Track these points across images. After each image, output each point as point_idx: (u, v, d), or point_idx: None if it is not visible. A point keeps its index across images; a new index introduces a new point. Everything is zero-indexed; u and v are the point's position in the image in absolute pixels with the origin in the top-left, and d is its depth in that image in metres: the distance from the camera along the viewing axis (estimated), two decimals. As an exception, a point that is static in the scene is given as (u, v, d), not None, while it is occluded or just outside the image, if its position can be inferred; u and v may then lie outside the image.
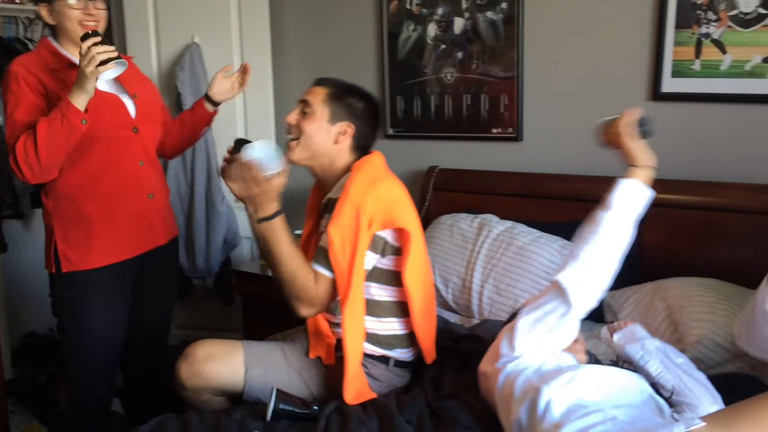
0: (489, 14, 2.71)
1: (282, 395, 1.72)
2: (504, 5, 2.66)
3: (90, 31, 1.75)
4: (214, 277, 3.26)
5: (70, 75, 1.89)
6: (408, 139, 3.01)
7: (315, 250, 1.82)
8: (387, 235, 1.81)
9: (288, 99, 3.29)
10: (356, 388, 1.79)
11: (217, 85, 2.19)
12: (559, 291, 1.55)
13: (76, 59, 1.93)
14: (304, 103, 1.86)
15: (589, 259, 1.54)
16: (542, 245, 2.35)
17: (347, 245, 1.74)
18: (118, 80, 1.98)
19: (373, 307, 1.86)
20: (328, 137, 1.84)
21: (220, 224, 3.10)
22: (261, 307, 2.85)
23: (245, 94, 3.10)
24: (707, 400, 1.54)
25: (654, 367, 1.60)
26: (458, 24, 2.79)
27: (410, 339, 1.89)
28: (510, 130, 2.74)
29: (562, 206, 2.50)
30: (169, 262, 2.24)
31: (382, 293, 1.86)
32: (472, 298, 2.42)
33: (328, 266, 1.76)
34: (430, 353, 1.91)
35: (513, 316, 1.77)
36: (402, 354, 1.89)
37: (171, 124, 2.24)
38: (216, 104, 2.21)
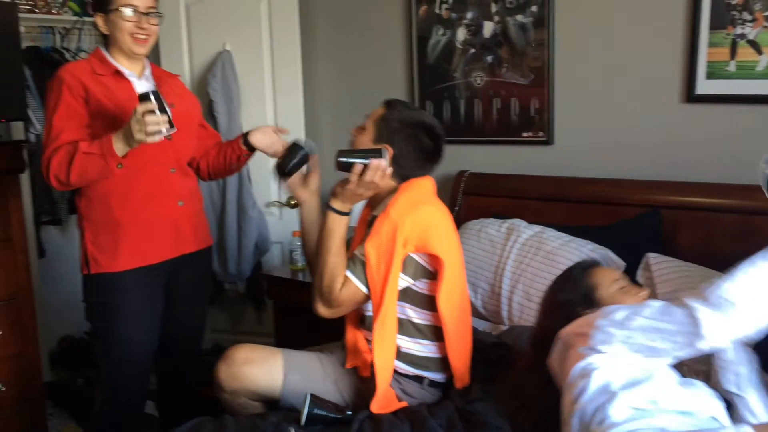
0: (519, 18, 2.69)
1: (316, 400, 1.74)
2: (534, 8, 2.65)
3: (150, 92, 1.77)
4: (246, 282, 3.29)
5: (114, 81, 1.98)
6: None
7: (352, 255, 1.85)
8: (420, 258, 1.82)
9: (317, 105, 3.32)
10: (383, 403, 1.80)
11: (262, 136, 2.14)
12: (690, 319, 1.40)
13: (122, 68, 2.04)
14: (366, 118, 1.91)
15: (740, 295, 1.37)
16: (572, 249, 2.32)
17: (382, 263, 1.77)
18: (158, 90, 2.04)
19: (408, 328, 1.87)
20: None
21: (252, 229, 3.13)
22: (292, 311, 2.87)
23: (276, 102, 3.14)
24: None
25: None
26: (488, 28, 2.78)
27: (444, 363, 1.89)
28: (540, 133, 2.72)
29: (593, 210, 2.47)
30: (201, 271, 2.26)
31: (416, 315, 1.87)
32: (502, 304, 2.41)
33: (359, 276, 1.79)
34: (461, 378, 1.89)
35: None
36: (435, 376, 1.90)
37: (210, 146, 2.26)
38: (251, 148, 2.17)
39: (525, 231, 2.47)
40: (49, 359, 3.19)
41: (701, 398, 1.46)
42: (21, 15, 2.80)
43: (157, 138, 1.78)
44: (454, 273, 1.84)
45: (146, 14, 1.99)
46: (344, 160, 1.77)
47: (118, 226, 2.01)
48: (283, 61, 3.10)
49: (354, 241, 2.00)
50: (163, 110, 1.77)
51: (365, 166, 1.74)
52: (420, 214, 1.80)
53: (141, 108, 1.75)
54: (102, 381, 2.17)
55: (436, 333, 1.87)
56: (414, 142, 1.86)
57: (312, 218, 1.98)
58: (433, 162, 1.91)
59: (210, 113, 3.06)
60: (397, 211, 1.79)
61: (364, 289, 1.80)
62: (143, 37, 2.00)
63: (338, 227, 1.80)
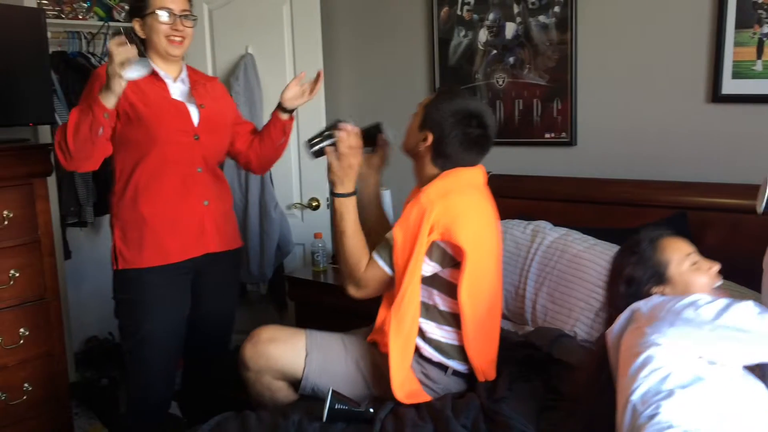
0: (541, 18, 2.69)
1: (338, 396, 1.75)
2: (557, 9, 2.64)
3: (119, 31, 1.80)
4: (268, 283, 3.31)
5: (148, 82, 2.03)
6: None
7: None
8: (445, 246, 1.83)
9: (339, 107, 3.33)
10: (408, 389, 1.80)
11: (288, 91, 2.20)
12: None
13: (159, 70, 2.09)
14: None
15: None
16: (597, 253, 2.30)
17: (407, 246, 1.80)
18: (190, 93, 2.11)
19: (434, 314, 1.89)
20: (415, 140, 1.92)
21: (274, 231, 3.15)
22: (314, 312, 2.88)
23: (298, 103, 3.15)
24: None
25: None
26: (510, 29, 2.77)
27: (470, 357, 1.89)
28: (563, 134, 2.71)
29: (618, 212, 2.45)
30: (228, 272, 2.29)
31: (442, 302, 1.88)
32: (526, 306, 2.39)
33: (384, 257, 1.84)
34: (483, 372, 1.90)
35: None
36: (459, 366, 1.90)
37: (253, 138, 2.29)
38: (289, 111, 2.21)
39: (550, 233, 2.46)
40: (74, 359, 3.22)
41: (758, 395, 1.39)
42: (48, 21, 2.84)
43: (129, 73, 1.78)
44: (479, 265, 1.84)
45: (181, 17, 2.04)
46: (314, 149, 1.90)
47: (143, 223, 2.06)
48: (305, 64, 3.12)
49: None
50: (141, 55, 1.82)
51: (334, 144, 1.85)
52: (450, 203, 1.81)
53: (112, 42, 1.77)
54: (128, 379, 2.20)
55: (458, 322, 1.88)
56: (458, 130, 1.85)
57: (364, 192, 2.07)
58: (480, 150, 1.91)
59: (233, 116, 3.08)
60: (428, 197, 1.81)
61: (388, 270, 1.84)
62: (178, 39, 2.06)
63: (346, 210, 1.87)
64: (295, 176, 3.24)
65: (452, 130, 1.85)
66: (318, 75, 2.22)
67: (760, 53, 2.26)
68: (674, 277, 1.60)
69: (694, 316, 1.41)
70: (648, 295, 1.60)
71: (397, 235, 1.82)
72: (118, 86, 1.81)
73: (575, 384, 1.73)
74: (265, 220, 3.14)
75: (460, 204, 1.83)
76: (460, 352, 1.89)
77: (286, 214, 3.22)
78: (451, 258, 1.84)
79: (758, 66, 2.27)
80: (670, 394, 1.34)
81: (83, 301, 3.40)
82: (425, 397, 1.84)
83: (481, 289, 1.87)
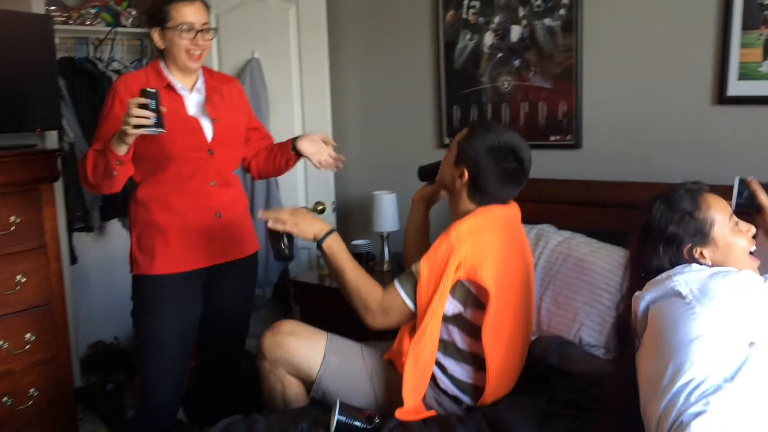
0: (547, 21, 2.68)
1: (345, 408, 1.74)
2: (562, 12, 2.64)
3: (147, 90, 1.79)
4: (273, 288, 3.31)
5: (165, 94, 2.01)
6: None
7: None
8: (470, 285, 1.80)
9: (345, 111, 3.34)
10: (411, 413, 1.79)
11: (307, 141, 2.18)
12: None
13: (175, 81, 2.09)
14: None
15: None
16: (602, 256, 2.29)
17: (431, 282, 1.76)
18: (205, 104, 2.11)
19: (453, 351, 1.87)
20: (451, 176, 1.91)
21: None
22: (319, 316, 2.87)
23: (303, 107, 3.16)
24: None
25: None
26: (515, 32, 2.77)
27: (480, 391, 1.87)
28: (569, 137, 2.70)
29: (624, 214, 2.42)
30: (243, 277, 2.30)
31: (462, 341, 1.86)
32: (531, 310, 2.38)
33: (407, 290, 1.79)
34: (494, 397, 1.88)
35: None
36: (471, 402, 1.89)
37: (262, 147, 2.30)
38: (299, 153, 2.20)
39: (554, 237, 2.45)
40: (80, 364, 3.23)
41: None
42: (55, 27, 2.86)
43: (139, 131, 1.78)
44: (504, 308, 1.81)
45: (201, 31, 2.04)
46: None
47: (157, 232, 2.08)
48: (311, 68, 3.12)
49: None
50: (155, 110, 1.78)
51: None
52: (479, 242, 1.78)
53: (134, 101, 1.77)
54: (138, 382, 2.20)
55: (476, 362, 1.85)
56: (494, 165, 1.84)
57: (412, 220, 2.17)
58: (517, 184, 1.89)
59: (238, 120, 3.09)
60: (458, 234, 1.78)
61: (410, 305, 1.80)
62: (198, 53, 2.06)
63: (333, 249, 1.86)
64: (300, 180, 3.25)
65: (488, 166, 1.83)
66: (340, 159, 2.20)
67: (766, 55, 2.24)
68: (717, 238, 1.50)
69: (747, 294, 1.33)
70: (690, 255, 1.50)
71: (423, 269, 1.78)
72: (130, 140, 1.83)
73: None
74: (270, 224, 3.14)
75: (489, 244, 1.80)
76: (476, 391, 1.87)
77: (292, 218, 3.22)
78: (475, 298, 1.81)
79: (765, 67, 2.25)
80: (718, 388, 1.25)
81: (89, 305, 3.41)
82: (429, 413, 1.84)
83: (504, 332, 1.83)
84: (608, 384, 1.54)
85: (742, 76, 2.29)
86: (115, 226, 3.55)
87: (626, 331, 1.50)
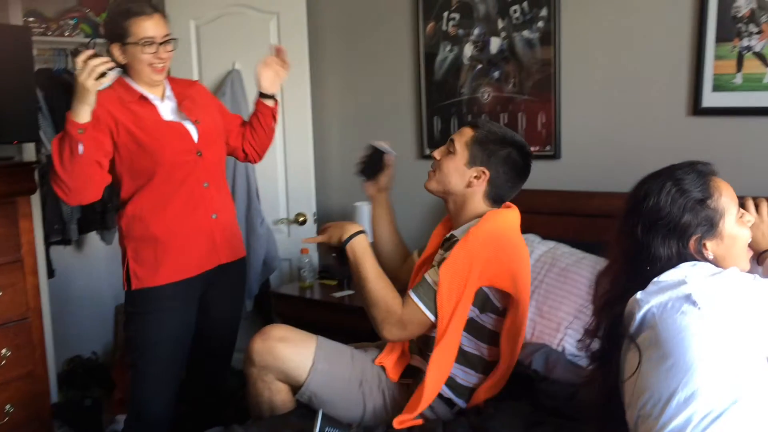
0: (525, 33, 2.71)
1: (328, 419, 1.73)
2: (540, 24, 2.67)
3: (85, 46, 1.80)
4: (254, 300, 3.29)
5: (140, 107, 2.04)
6: None
7: (421, 278, 1.84)
8: (490, 292, 1.80)
9: (326, 122, 3.34)
10: (406, 418, 1.78)
11: (263, 79, 2.23)
12: None
13: (146, 93, 2.08)
14: (451, 141, 1.89)
15: None
16: (585, 266, 2.30)
17: (454, 292, 1.73)
18: (182, 110, 2.11)
19: (459, 354, 1.85)
20: (462, 179, 1.87)
21: (260, 246, 3.13)
22: (300, 328, 2.86)
23: (284, 118, 3.16)
24: None
25: None
26: (494, 44, 2.80)
27: (473, 392, 1.87)
28: (548, 148, 2.72)
29: (604, 224, 2.44)
30: (235, 282, 2.31)
31: (469, 345, 1.85)
32: (514, 320, 2.39)
33: (426, 302, 1.75)
34: (485, 398, 1.89)
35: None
36: (464, 403, 1.89)
37: (245, 131, 2.32)
38: (272, 97, 2.26)
39: (538, 247, 2.46)
40: (57, 379, 3.18)
41: None
42: (34, 38, 2.83)
43: (105, 80, 1.79)
44: (523, 311, 1.82)
45: (163, 43, 2.03)
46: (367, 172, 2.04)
47: (156, 242, 2.07)
48: (292, 79, 3.09)
49: (425, 255, 2.00)
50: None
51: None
52: (500, 249, 1.78)
53: (81, 57, 1.77)
54: (131, 394, 2.19)
55: (483, 365, 1.86)
56: (509, 163, 1.86)
57: (377, 212, 2.09)
58: (524, 180, 1.91)
59: (219, 132, 3.08)
60: (478, 241, 1.75)
61: (431, 316, 1.76)
62: (161, 65, 2.05)
63: (361, 252, 1.81)
64: (281, 191, 3.24)
65: (504, 164, 1.85)
66: (277, 50, 2.24)
67: (740, 66, 2.29)
68: (723, 231, 1.38)
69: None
70: (698, 251, 1.36)
71: (444, 278, 1.73)
72: (94, 98, 1.82)
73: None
74: (251, 235, 3.12)
75: (509, 250, 1.81)
76: (471, 392, 1.87)
77: (273, 229, 3.21)
78: (492, 304, 1.81)
79: (738, 79, 2.30)
80: (729, 415, 1.17)
81: (67, 320, 3.36)
82: (417, 422, 1.83)
83: (520, 336, 1.84)
84: (590, 391, 1.48)
85: (716, 87, 2.34)
86: (93, 238, 3.51)
87: (619, 335, 1.37)
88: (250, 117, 2.32)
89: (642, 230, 1.37)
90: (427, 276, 1.78)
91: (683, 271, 1.31)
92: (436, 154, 1.92)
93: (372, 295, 1.78)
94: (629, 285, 1.35)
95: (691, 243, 1.36)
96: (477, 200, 1.87)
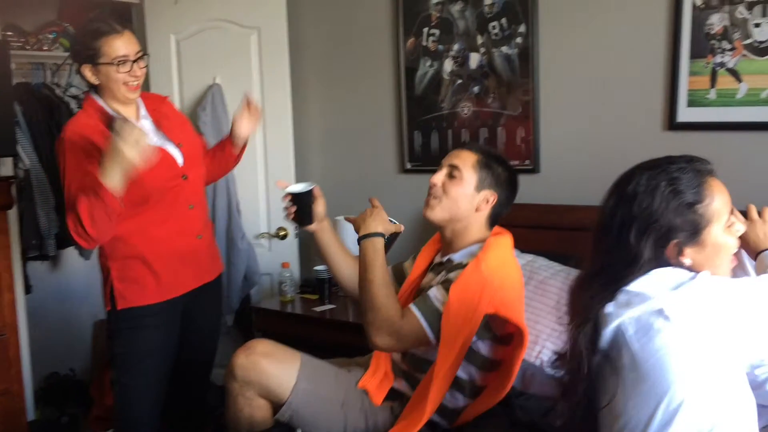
0: (504, 49, 2.75)
1: None
2: (519, 40, 2.70)
3: (119, 117, 1.81)
4: (234, 315, 3.26)
5: None
6: (426, 173, 2.93)
7: (413, 296, 1.82)
8: (490, 318, 1.78)
9: (307, 136, 3.34)
10: None
11: (238, 128, 2.20)
12: None
13: (115, 114, 2.02)
14: (453, 167, 1.87)
15: None
16: (563, 279, 2.32)
17: (462, 314, 1.70)
18: (164, 131, 2.09)
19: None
20: (471, 203, 1.86)
21: (241, 261, 3.12)
22: (281, 343, 2.85)
23: (265, 133, 3.16)
24: None
25: None
26: (474, 59, 2.83)
27: (457, 414, 1.86)
28: (527, 162, 2.75)
29: (580, 237, 2.47)
30: (216, 297, 2.31)
31: (462, 369, 1.81)
32: (493, 333, 2.40)
33: (430, 321, 1.72)
34: (471, 418, 1.88)
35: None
36: (448, 425, 1.87)
37: (205, 155, 2.29)
38: (241, 145, 2.24)
39: (517, 260, 2.47)
40: (33, 396, 3.13)
41: None
42: (12, 52, 2.82)
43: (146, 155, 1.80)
44: (524, 339, 1.80)
45: (136, 60, 2.00)
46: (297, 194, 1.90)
47: (143, 262, 2.04)
48: (273, 93, 3.13)
49: (411, 278, 1.98)
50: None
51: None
52: (507, 276, 1.79)
53: (127, 131, 1.75)
54: (118, 412, 2.16)
55: (472, 390, 1.84)
56: (509, 182, 1.89)
57: (326, 240, 2.00)
58: (515, 198, 1.94)
59: (199, 146, 3.08)
60: (489, 268, 1.73)
61: (430, 333, 1.73)
62: (136, 83, 2.02)
63: (374, 254, 1.78)
64: (262, 206, 3.23)
65: (506, 185, 1.88)
66: (248, 101, 2.20)
67: (713, 82, 2.33)
68: (707, 239, 1.27)
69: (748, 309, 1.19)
70: (675, 258, 1.27)
71: (454, 298, 1.69)
72: (134, 173, 1.82)
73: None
74: (232, 250, 3.11)
75: (514, 278, 1.82)
76: (456, 415, 1.86)
77: (254, 243, 3.20)
78: (491, 331, 1.80)
79: (712, 94, 2.34)
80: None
81: (44, 336, 3.31)
82: None
83: (519, 363, 1.82)
84: (565, 406, 1.41)
85: (691, 102, 2.38)
86: (71, 254, 3.48)
87: (590, 350, 1.29)
88: (215, 148, 2.30)
89: (622, 222, 1.28)
90: (431, 293, 1.75)
91: (654, 279, 1.24)
92: (436, 179, 1.88)
93: (375, 299, 1.74)
94: (602, 288, 1.28)
95: (670, 246, 1.26)
96: (480, 224, 1.88)
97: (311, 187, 1.92)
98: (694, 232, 1.26)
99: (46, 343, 3.30)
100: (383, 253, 1.80)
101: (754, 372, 1.27)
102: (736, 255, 1.40)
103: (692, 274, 1.25)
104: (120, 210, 1.84)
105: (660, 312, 1.19)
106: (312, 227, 1.96)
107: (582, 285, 1.35)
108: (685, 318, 1.18)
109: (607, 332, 1.24)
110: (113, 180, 1.78)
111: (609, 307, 1.25)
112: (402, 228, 1.88)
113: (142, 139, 1.78)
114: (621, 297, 1.25)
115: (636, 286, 1.24)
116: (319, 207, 1.96)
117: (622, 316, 1.23)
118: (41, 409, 3.18)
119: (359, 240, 1.82)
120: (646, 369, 1.18)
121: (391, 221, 1.87)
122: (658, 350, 1.17)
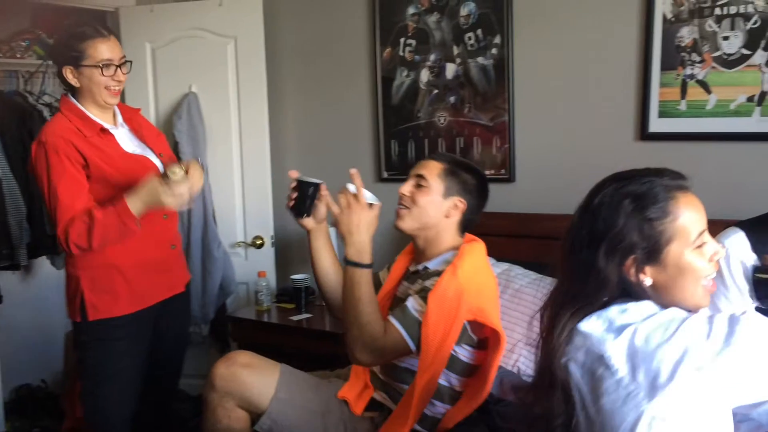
0: (480, 60, 2.78)
1: None
2: (494, 51, 2.74)
3: (173, 165, 1.88)
4: (210, 324, 3.24)
5: (100, 139, 1.98)
6: (403, 182, 3.02)
7: (389, 306, 1.82)
8: (469, 325, 1.79)
9: (284, 145, 3.34)
10: None
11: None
12: None
13: (104, 123, 2.03)
14: (420, 177, 1.88)
15: None
16: (539, 288, 2.34)
17: (441, 322, 1.70)
18: (142, 140, 2.10)
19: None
20: (440, 210, 1.86)
21: (217, 270, 3.10)
22: (257, 353, 2.83)
23: (242, 142, 3.16)
24: None
25: None
26: (450, 69, 2.85)
27: (438, 422, 1.86)
28: (503, 171, 2.78)
29: (557, 246, 2.50)
30: (185, 305, 2.31)
31: (442, 378, 1.81)
32: (470, 341, 2.41)
33: (409, 331, 1.71)
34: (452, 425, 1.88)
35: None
36: None
37: None
38: None
39: (493, 268, 2.49)
40: (4, 408, 3.07)
41: None
42: (-17, 59, 2.79)
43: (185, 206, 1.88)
44: (504, 344, 1.80)
45: (120, 65, 2.00)
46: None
47: (116, 271, 2.02)
48: (250, 102, 3.13)
49: (387, 288, 1.98)
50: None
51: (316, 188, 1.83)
52: (483, 283, 1.80)
53: (178, 185, 1.84)
54: (87, 423, 2.14)
55: (452, 397, 1.85)
56: (477, 189, 1.90)
57: (317, 244, 1.95)
58: (485, 204, 1.96)
59: (176, 154, 3.05)
60: (466, 275, 1.73)
61: (411, 345, 1.71)
62: (117, 88, 2.02)
63: (360, 279, 1.70)
64: (239, 215, 3.22)
65: (475, 191, 1.90)
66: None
67: (684, 94, 2.38)
68: (669, 260, 1.18)
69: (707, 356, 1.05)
70: (635, 276, 1.19)
71: (432, 307, 1.68)
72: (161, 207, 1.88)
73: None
74: (207, 259, 3.09)
75: (489, 284, 1.83)
76: (436, 423, 1.86)
77: (230, 252, 3.18)
78: (469, 337, 1.80)
79: (682, 106, 2.39)
80: None
81: (15, 347, 3.25)
82: None
83: (496, 365, 1.83)
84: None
85: (662, 113, 2.42)
86: (43, 263, 3.42)
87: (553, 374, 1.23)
88: None
89: (587, 232, 1.24)
90: (409, 304, 1.74)
91: (608, 319, 1.16)
92: (405, 190, 1.89)
93: (362, 317, 1.69)
94: (568, 308, 1.22)
95: (628, 263, 1.18)
96: (452, 231, 1.89)
97: (319, 182, 1.90)
98: (653, 249, 1.17)
99: (17, 354, 3.24)
100: (370, 279, 1.74)
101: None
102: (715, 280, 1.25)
103: (655, 309, 1.17)
104: (137, 233, 1.89)
105: (609, 366, 1.11)
106: (309, 225, 1.91)
107: (552, 303, 1.31)
108: (626, 366, 1.09)
109: (562, 365, 1.20)
110: (137, 208, 1.85)
111: (566, 348, 1.20)
112: (380, 204, 1.82)
113: (186, 193, 1.85)
114: (577, 340, 1.18)
115: (589, 326, 1.17)
116: (322, 207, 1.90)
117: (569, 354, 1.18)
118: (12, 422, 3.12)
119: (346, 262, 1.73)
120: (593, 415, 1.14)
121: (370, 204, 1.78)
122: (604, 404, 1.11)
